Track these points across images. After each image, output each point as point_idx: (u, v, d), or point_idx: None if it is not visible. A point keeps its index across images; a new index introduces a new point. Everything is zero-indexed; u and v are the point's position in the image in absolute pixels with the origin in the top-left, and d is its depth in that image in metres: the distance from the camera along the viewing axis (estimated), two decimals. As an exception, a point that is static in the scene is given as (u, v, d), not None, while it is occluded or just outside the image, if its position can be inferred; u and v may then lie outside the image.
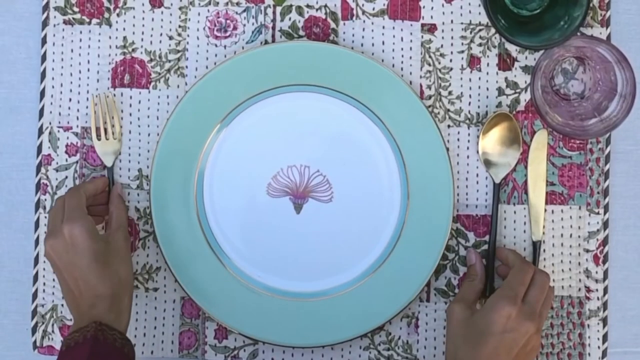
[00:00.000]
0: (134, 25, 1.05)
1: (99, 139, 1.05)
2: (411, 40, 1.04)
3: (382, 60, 1.04)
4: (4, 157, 1.06)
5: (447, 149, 1.02)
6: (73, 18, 1.06)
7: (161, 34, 1.05)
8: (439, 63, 1.04)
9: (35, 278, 1.05)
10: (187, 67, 1.05)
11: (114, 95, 1.05)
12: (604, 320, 1.03)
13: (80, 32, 1.06)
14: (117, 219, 1.00)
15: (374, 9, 1.05)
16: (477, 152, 1.03)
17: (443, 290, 1.03)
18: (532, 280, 0.95)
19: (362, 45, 1.05)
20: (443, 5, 1.04)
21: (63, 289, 0.95)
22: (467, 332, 0.93)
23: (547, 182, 1.03)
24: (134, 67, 1.05)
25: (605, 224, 1.03)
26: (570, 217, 1.03)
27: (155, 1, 1.06)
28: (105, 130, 1.05)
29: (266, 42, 1.05)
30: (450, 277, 1.03)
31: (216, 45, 1.05)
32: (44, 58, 1.06)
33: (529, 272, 0.95)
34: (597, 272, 1.03)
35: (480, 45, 1.04)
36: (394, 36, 1.05)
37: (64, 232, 0.93)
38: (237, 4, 1.05)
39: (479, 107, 1.04)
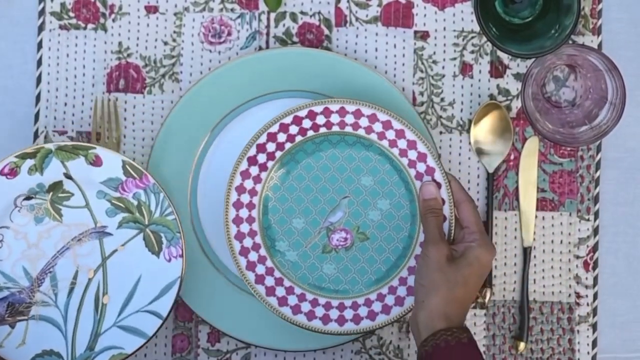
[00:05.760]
0: (129, 31, 1.06)
1: (98, 141, 1.05)
2: (404, 47, 1.05)
3: (375, 67, 1.05)
4: None
5: (439, 155, 1.03)
6: (69, 23, 1.06)
7: (156, 40, 1.06)
8: (432, 70, 1.05)
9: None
10: (181, 72, 1.06)
11: (117, 99, 1.05)
12: (594, 326, 1.04)
13: (76, 37, 1.06)
14: None
15: (367, 15, 1.06)
16: (469, 142, 1.04)
17: (434, 296, 1.04)
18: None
19: (355, 51, 1.05)
20: (436, 13, 1.05)
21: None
22: (448, 278, 0.91)
23: (538, 188, 1.04)
24: (129, 72, 1.06)
25: (596, 231, 1.04)
26: (561, 223, 1.04)
27: (150, 7, 1.06)
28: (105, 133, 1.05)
29: (260, 48, 1.06)
30: (442, 282, 1.04)
31: (210, 51, 1.06)
32: (39, 63, 1.06)
33: (475, 205, 0.96)
34: (587, 278, 1.04)
35: (472, 52, 1.05)
36: (387, 43, 1.05)
37: None
38: (232, 10, 1.06)
39: (471, 113, 1.05)
